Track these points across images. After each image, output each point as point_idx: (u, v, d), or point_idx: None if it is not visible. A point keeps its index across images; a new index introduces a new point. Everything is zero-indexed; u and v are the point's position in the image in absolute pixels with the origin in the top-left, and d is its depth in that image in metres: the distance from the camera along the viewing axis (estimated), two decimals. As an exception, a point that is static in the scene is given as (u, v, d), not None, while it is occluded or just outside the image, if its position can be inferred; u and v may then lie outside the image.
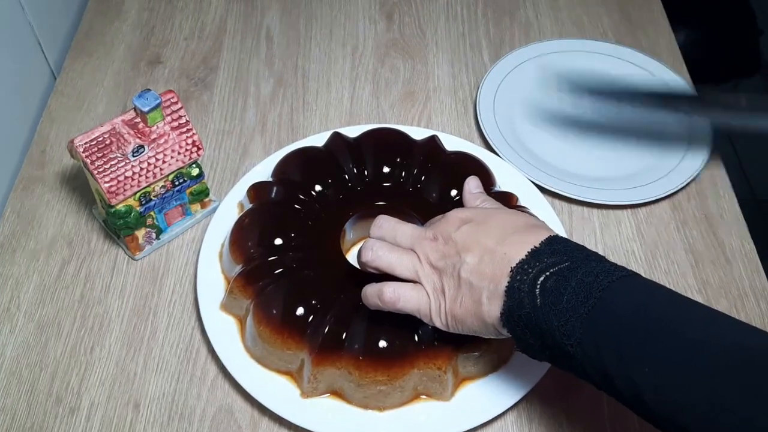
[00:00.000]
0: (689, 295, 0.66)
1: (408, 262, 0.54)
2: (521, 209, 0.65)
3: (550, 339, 0.47)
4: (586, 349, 0.46)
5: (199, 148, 0.66)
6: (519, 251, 0.50)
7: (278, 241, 0.63)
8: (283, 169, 0.69)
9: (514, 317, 0.49)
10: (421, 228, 0.56)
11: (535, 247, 0.50)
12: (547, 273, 0.48)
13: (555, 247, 0.50)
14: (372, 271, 0.55)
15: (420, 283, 0.53)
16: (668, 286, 0.66)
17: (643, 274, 0.67)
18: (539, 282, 0.48)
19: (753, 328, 0.44)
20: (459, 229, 0.53)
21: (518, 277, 0.49)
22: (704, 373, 0.42)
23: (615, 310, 0.46)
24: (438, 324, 0.53)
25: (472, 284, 0.51)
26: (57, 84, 0.83)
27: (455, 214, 0.55)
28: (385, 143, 0.71)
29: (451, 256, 0.52)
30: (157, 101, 0.62)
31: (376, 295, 0.54)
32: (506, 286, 0.49)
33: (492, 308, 0.50)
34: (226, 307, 0.63)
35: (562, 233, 0.67)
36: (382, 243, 0.55)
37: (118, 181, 0.62)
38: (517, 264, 0.49)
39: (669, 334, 0.44)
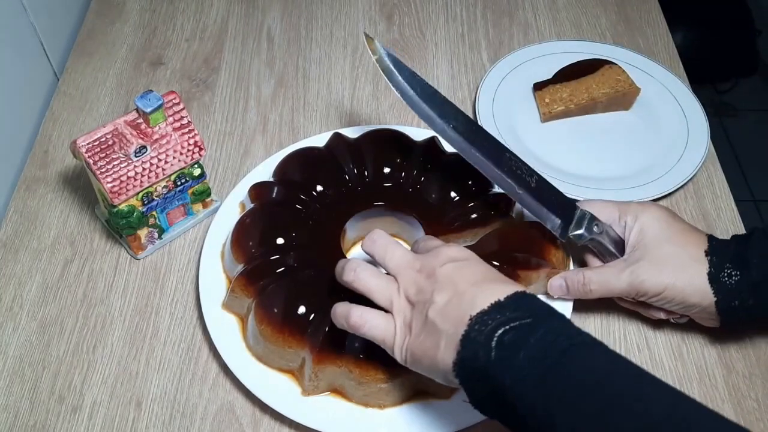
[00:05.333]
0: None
1: (386, 291, 0.52)
2: None
3: (502, 397, 0.45)
4: (539, 414, 0.43)
5: (200, 149, 0.66)
6: (484, 300, 0.47)
7: (279, 241, 0.63)
8: (284, 169, 0.70)
9: (467, 369, 0.46)
10: (412, 255, 0.53)
11: (499, 300, 0.47)
12: (507, 327, 0.45)
13: (520, 303, 0.47)
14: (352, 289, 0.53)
15: (392, 314, 0.51)
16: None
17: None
18: (497, 335, 0.45)
19: (713, 418, 0.42)
20: (443, 266, 0.51)
21: (476, 327, 0.46)
22: None
23: (573, 377, 0.43)
24: (398, 358, 0.51)
25: (436, 326, 0.48)
26: (59, 85, 0.84)
27: (447, 252, 0.52)
28: (385, 144, 0.71)
29: (426, 292, 0.50)
30: (160, 102, 0.62)
31: (344, 316, 0.52)
32: (462, 335, 0.46)
33: (446, 355, 0.47)
34: (227, 306, 0.63)
35: (561, 233, 0.68)
36: (366, 266, 0.53)
37: (121, 181, 0.62)
38: (477, 313, 0.47)
39: (628, 416, 0.41)
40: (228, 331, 0.62)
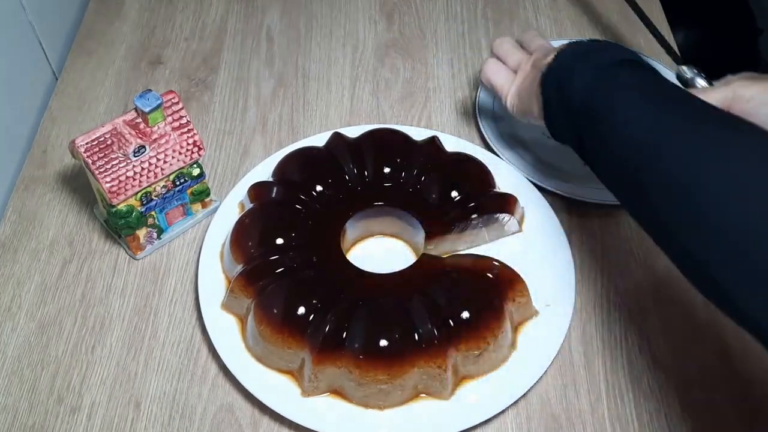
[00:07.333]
0: (689, 294, 0.66)
1: (518, 57, 0.69)
2: None
3: (569, 90, 0.56)
4: (592, 91, 0.55)
5: (200, 148, 0.66)
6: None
7: (279, 241, 0.63)
8: (283, 169, 0.70)
9: (550, 76, 0.59)
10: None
11: (591, 39, 0.61)
12: (593, 46, 0.58)
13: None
14: (491, 56, 0.72)
15: (516, 73, 0.67)
16: (668, 286, 0.67)
17: (643, 275, 0.68)
18: (582, 49, 0.58)
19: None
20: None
21: (568, 46, 0.60)
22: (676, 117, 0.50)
23: (633, 76, 0.55)
24: (508, 103, 0.67)
25: (543, 66, 0.61)
26: (58, 84, 0.84)
27: None
28: (386, 143, 0.71)
29: (549, 54, 0.62)
30: (158, 101, 0.62)
31: (484, 65, 0.71)
32: (557, 52, 0.60)
33: (539, 74, 0.61)
34: (227, 306, 0.63)
35: (562, 233, 0.68)
36: (512, 41, 0.72)
37: (120, 181, 0.62)
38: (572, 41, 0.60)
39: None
40: (227, 332, 0.62)
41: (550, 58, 0.61)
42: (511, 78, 0.68)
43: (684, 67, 0.72)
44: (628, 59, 0.56)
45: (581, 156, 0.58)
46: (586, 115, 0.55)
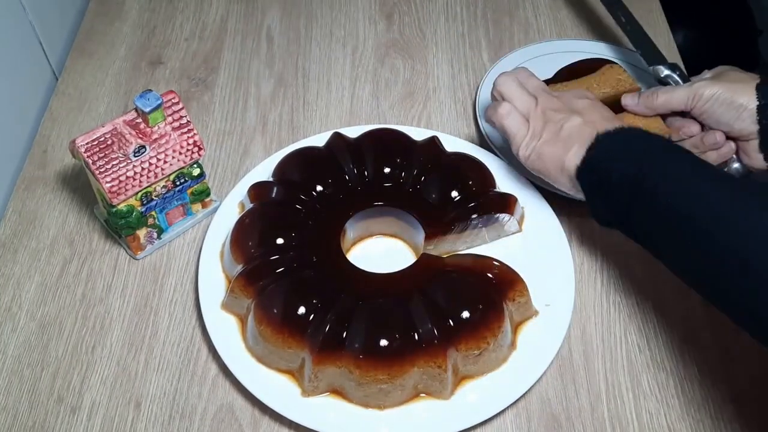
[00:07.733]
0: (689, 294, 0.66)
1: (527, 102, 0.66)
2: None
3: (607, 176, 0.58)
4: (629, 176, 0.57)
5: (200, 148, 0.66)
6: (610, 127, 0.61)
7: (279, 241, 0.63)
8: (283, 169, 0.70)
9: (587, 166, 0.60)
10: (547, 87, 0.68)
11: (622, 126, 0.61)
12: (625, 134, 0.60)
13: (636, 130, 0.60)
14: (494, 95, 0.68)
15: (528, 120, 0.65)
16: (668, 286, 0.67)
17: (642, 275, 0.68)
18: (614, 136, 0.60)
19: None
20: (581, 100, 0.65)
21: (600, 137, 0.60)
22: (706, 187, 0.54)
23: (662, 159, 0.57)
24: (521, 153, 0.65)
25: (571, 137, 0.62)
26: (58, 84, 0.84)
27: (581, 91, 0.68)
28: (385, 144, 0.71)
29: (563, 112, 0.64)
30: (159, 102, 0.62)
31: (496, 106, 0.67)
32: (592, 141, 0.60)
33: (573, 158, 0.61)
34: (227, 306, 0.63)
35: (562, 233, 0.68)
36: (516, 79, 0.67)
37: (120, 181, 0.62)
38: (604, 131, 0.60)
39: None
40: (227, 332, 0.62)
41: (579, 137, 0.62)
42: (524, 126, 0.65)
43: (660, 66, 0.74)
44: (660, 143, 0.59)
45: (631, 236, 0.60)
46: (631, 196, 0.57)
